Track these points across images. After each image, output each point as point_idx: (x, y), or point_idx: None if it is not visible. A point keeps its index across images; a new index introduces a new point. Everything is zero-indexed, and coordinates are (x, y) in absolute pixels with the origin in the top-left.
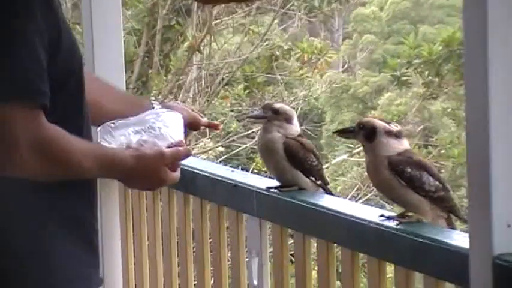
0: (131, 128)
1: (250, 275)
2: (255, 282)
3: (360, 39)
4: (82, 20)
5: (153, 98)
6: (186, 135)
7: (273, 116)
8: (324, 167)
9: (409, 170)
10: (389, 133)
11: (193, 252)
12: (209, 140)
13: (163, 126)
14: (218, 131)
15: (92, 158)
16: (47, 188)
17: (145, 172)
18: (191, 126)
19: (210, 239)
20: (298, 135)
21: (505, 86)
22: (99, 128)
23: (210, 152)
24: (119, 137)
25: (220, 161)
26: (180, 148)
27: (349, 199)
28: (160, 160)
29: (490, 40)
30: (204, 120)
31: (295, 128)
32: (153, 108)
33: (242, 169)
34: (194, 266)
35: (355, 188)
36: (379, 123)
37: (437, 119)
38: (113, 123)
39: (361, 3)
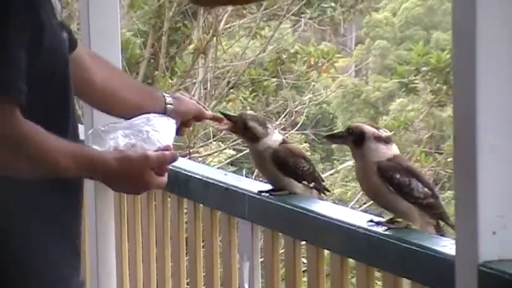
0: (120, 132)
1: (242, 278)
2: (246, 286)
3: (372, 45)
4: (80, 24)
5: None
6: (189, 126)
7: (241, 130)
8: (333, 171)
9: (398, 176)
10: (378, 138)
11: (186, 255)
12: (221, 142)
13: (151, 130)
14: (224, 129)
15: (70, 157)
16: (29, 188)
17: (128, 175)
18: (196, 118)
19: (203, 242)
20: (283, 142)
21: (493, 94)
22: (90, 131)
23: (219, 154)
24: (108, 141)
25: (232, 164)
26: (166, 152)
27: (359, 204)
28: (145, 163)
29: (478, 42)
30: (209, 113)
31: (271, 139)
32: (164, 99)
33: (247, 173)
34: (187, 268)
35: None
36: (368, 129)
37: (445, 127)
38: (103, 126)
39: (375, 8)
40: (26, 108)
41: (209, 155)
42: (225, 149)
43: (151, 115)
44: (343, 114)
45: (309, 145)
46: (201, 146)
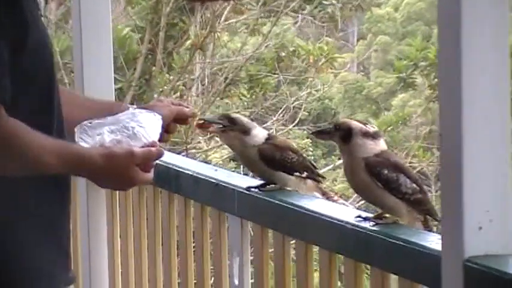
0: (106, 128)
1: (232, 274)
2: (236, 282)
3: (374, 40)
4: (72, 20)
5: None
6: (172, 132)
7: (229, 125)
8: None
9: (386, 172)
10: (366, 134)
11: (177, 250)
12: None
13: (137, 126)
14: (214, 131)
15: (54, 154)
16: (15, 184)
17: (114, 171)
18: (176, 121)
19: (193, 238)
20: (268, 139)
21: (478, 88)
22: (76, 127)
23: (220, 150)
24: (95, 136)
25: (233, 159)
26: (152, 148)
27: (359, 199)
28: (130, 159)
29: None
30: (189, 109)
31: (256, 137)
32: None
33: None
34: (178, 264)
35: None
36: (355, 124)
37: None
38: (90, 122)
39: (376, 4)
40: (11, 105)
41: (206, 150)
42: (222, 144)
43: (136, 110)
44: (345, 110)
45: (310, 141)
46: (199, 142)
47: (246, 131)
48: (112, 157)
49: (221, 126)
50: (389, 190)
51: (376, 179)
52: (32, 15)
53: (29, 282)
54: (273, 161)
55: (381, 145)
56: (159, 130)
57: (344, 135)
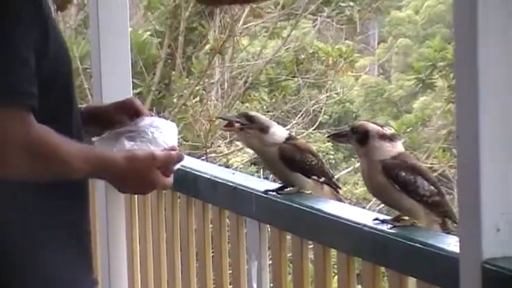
0: (125, 135)
1: (250, 278)
2: (255, 286)
3: (395, 43)
4: (90, 24)
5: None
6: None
7: (248, 124)
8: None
9: (403, 174)
10: (383, 136)
11: (196, 254)
12: (239, 142)
13: (156, 131)
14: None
15: (82, 158)
16: (38, 190)
17: (136, 173)
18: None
19: (211, 241)
20: (289, 138)
21: (496, 89)
22: (95, 138)
23: (242, 154)
24: (115, 145)
25: (252, 164)
26: (173, 152)
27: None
28: (152, 162)
29: (480, 41)
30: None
31: (275, 135)
32: None
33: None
34: (196, 267)
35: None
36: (372, 127)
37: None
38: (108, 133)
39: (397, 6)
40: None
41: (228, 154)
42: (243, 148)
43: (152, 118)
44: (365, 113)
45: (331, 145)
46: (219, 146)
47: (264, 129)
48: (134, 159)
49: (239, 124)
50: (407, 192)
51: (393, 181)
52: (51, 19)
53: (53, 286)
54: (293, 162)
55: (398, 147)
56: (176, 136)
57: (361, 137)
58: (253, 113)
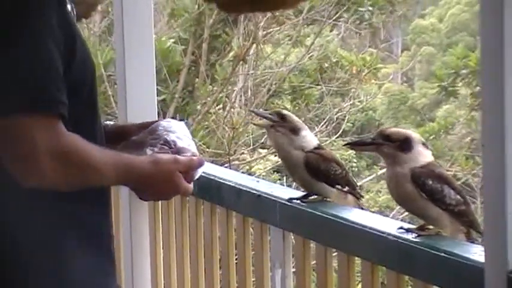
0: (147, 144)
1: (274, 286)
2: None
3: (418, 51)
4: (115, 33)
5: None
6: None
7: (279, 122)
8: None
9: (430, 182)
10: (424, 144)
11: (219, 262)
12: (263, 149)
13: (173, 135)
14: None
15: (111, 165)
16: (63, 198)
17: (160, 177)
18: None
19: (235, 249)
20: (317, 148)
21: None
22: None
23: (264, 161)
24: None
25: (277, 171)
26: (194, 158)
27: (403, 210)
28: (175, 165)
29: (507, 51)
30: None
31: (304, 139)
32: None
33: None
34: (220, 275)
35: None
36: (414, 134)
37: None
38: (127, 143)
39: (420, 15)
40: None
41: (251, 161)
42: (266, 155)
43: (167, 121)
44: (388, 121)
45: (354, 153)
46: (242, 153)
47: (295, 130)
48: (158, 163)
49: (271, 121)
50: (433, 201)
51: (420, 189)
52: (76, 27)
53: None
54: (317, 171)
55: (429, 156)
56: (189, 134)
57: (402, 145)
58: (286, 112)
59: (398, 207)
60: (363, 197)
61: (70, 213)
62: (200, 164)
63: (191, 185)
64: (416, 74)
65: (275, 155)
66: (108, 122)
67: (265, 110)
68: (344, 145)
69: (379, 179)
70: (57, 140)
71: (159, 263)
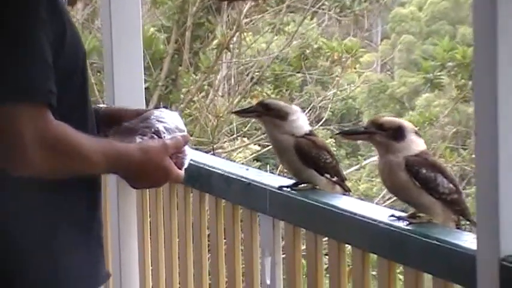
0: (137, 133)
1: (263, 274)
2: (268, 282)
3: (398, 39)
4: (101, 21)
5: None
6: None
7: (264, 111)
8: (358, 167)
9: (424, 171)
10: (417, 132)
11: (208, 250)
12: (245, 138)
13: (164, 123)
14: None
15: (101, 152)
16: (53, 186)
17: (150, 164)
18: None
19: (224, 237)
20: (308, 134)
21: None
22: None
23: (244, 150)
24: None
25: (257, 159)
26: (178, 135)
27: (383, 200)
28: (165, 150)
29: (500, 40)
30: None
31: (294, 124)
32: None
33: (272, 169)
34: (209, 263)
35: None
36: (406, 123)
37: (471, 123)
38: (118, 128)
39: (400, 3)
40: None
41: (233, 150)
42: (249, 144)
43: (159, 110)
44: (368, 110)
45: (334, 140)
46: (225, 142)
47: (282, 115)
48: (149, 150)
49: (256, 112)
50: (427, 190)
51: (414, 178)
52: (67, 14)
53: (79, 282)
54: (307, 157)
55: (422, 145)
56: (182, 124)
57: (394, 133)
58: (269, 100)
59: (379, 196)
60: (350, 191)
61: (60, 201)
62: (186, 141)
63: (182, 171)
64: (396, 63)
65: (255, 144)
66: (100, 105)
67: (248, 97)
68: (336, 134)
69: (360, 168)
70: (45, 129)
71: (147, 251)
